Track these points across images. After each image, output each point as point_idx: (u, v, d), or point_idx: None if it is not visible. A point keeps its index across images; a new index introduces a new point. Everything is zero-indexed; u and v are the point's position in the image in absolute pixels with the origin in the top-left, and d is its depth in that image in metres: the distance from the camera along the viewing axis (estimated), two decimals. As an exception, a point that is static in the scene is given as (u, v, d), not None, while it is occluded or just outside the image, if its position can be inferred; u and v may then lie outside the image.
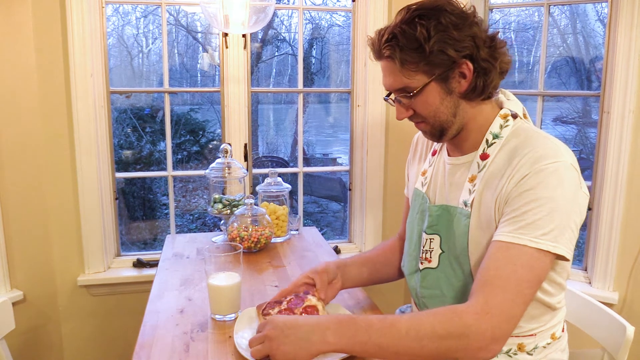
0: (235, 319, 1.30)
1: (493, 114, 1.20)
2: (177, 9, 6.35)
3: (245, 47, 2.35)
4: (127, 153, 5.77)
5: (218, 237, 2.04)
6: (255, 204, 1.91)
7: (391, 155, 2.53)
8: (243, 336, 1.21)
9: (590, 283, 2.30)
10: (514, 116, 1.19)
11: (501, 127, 1.17)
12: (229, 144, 2.10)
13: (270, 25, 7.02)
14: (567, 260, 1.07)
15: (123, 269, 2.41)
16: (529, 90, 2.45)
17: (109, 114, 2.33)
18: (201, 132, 6.49)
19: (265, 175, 2.14)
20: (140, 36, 7.17)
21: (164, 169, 2.51)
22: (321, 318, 1.06)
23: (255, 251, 1.87)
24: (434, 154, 1.36)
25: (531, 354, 1.19)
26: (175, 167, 5.44)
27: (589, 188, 2.31)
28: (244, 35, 2.33)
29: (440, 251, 1.24)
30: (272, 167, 2.26)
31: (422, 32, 1.09)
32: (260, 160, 7.49)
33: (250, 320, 1.29)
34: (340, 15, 7.85)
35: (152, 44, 7.16)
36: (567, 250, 1.04)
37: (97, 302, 2.37)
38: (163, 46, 2.42)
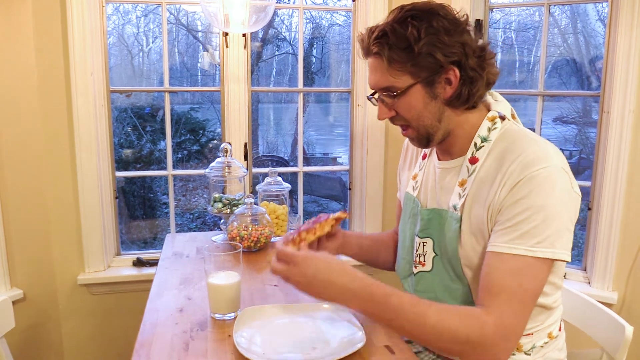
0: (235, 318, 1.31)
1: (480, 119, 1.19)
2: (177, 8, 6.35)
3: (245, 46, 2.35)
4: (128, 152, 5.77)
5: (218, 237, 2.04)
6: (255, 203, 1.91)
7: (391, 155, 2.53)
8: (242, 335, 1.22)
9: (589, 283, 2.30)
10: (502, 118, 1.18)
11: (489, 129, 1.16)
12: (229, 143, 2.10)
13: (270, 25, 7.02)
14: (566, 261, 1.07)
15: (123, 268, 2.41)
16: (529, 90, 2.45)
17: (109, 113, 2.33)
18: (201, 131, 6.49)
19: (265, 175, 2.14)
20: (140, 35, 7.17)
21: (164, 168, 2.51)
22: (356, 282, 1.04)
23: (255, 250, 1.87)
24: (424, 157, 1.36)
25: (529, 354, 1.20)
26: (175, 166, 5.44)
27: (589, 188, 2.31)
28: (244, 35, 2.33)
29: (434, 254, 1.24)
30: (272, 167, 2.26)
31: (413, 33, 1.08)
32: (260, 159, 7.50)
33: (249, 320, 1.29)
34: (340, 14, 7.85)
35: (153, 42, 7.16)
36: (566, 253, 1.04)
37: (97, 300, 2.37)
38: (163, 45, 2.42)
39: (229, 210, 1.99)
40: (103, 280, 2.33)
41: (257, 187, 2.12)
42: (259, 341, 1.20)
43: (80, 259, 2.31)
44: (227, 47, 2.33)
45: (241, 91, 2.38)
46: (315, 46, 8.10)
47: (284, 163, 7.60)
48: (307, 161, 7.85)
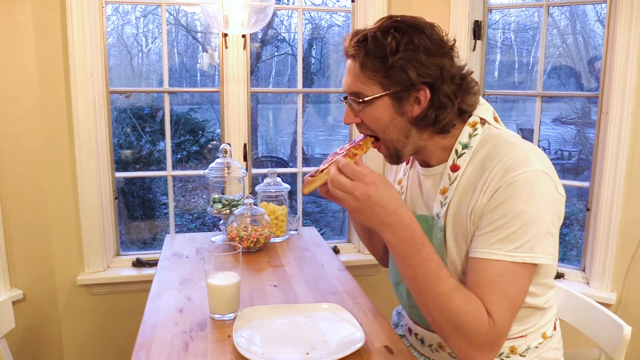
0: (234, 318, 1.31)
1: (453, 142, 1.17)
2: (176, 9, 6.36)
3: (244, 47, 2.36)
4: (127, 153, 5.77)
5: (217, 237, 2.05)
6: (254, 204, 1.91)
7: (390, 155, 2.53)
8: (242, 335, 1.22)
9: (588, 283, 2.30)
10: (483, 122, 1.17)
11: (470, 136, 1.15)
12: (229, 144, 2.10)
13: (270, 26, 7.03)
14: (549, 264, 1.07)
15: (122, 269, 2.42)
16: (527, 91, 2.46)
17: (109, 114, 2.34)
18: (201, 132, 6.49)
19: (265, 175, 2.14)
20: (140, 36, 7.17)
21: (164, 169, 2.52)
22: (405, 218, 1.05)
23: (254, 251, 1.88)
24: (407, 162, 1.35)
25: (524, 355, 1.20)
26: (174, 167, 5.45)
27: (587, 189, 2.31)
28: (243, 36, 2.33)
29: None
30: (272, 167, 2.27)
31: (391, 44, 1.07)
32: (259, 160, 7.50)
33: (249, 320, 1.29)
34: (339, 15, 7.86)
35: (152, 43, 7.17)
36: (546, 257, 1.04)
37: (97, 301, 2.37)
38: (163, 46, 2.42)
39: (228, 210, 2.00)
40: (103, 281, 2.34)
41: (257, 188, 2.12)
42: (259, 341, 1.21)
43: (80, 259, 2.31)
44: (226, 47, 2.34)
45: (240, 92, 2.39)
46: (314, 47, 8.10)
47: (284, 164, 7.59)
48: (307, 162, 7.85)
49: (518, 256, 1.02)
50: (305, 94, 5.24)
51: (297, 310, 1.36)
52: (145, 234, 5.73)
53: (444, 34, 1.13)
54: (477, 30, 2.40)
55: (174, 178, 3.23)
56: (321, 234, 2.14)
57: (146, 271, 2.39)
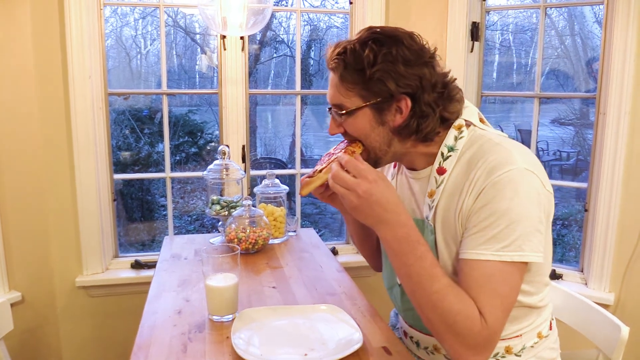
0: (233, 319, 1.31)
1: (439, 144, 1.18)
2: (175, 11, 6.36)
3: (243, 49, 2.36)
4: (126, 154, 5.77)
5: (216, 239, 2.05)
6: (253, 206, 1.91)
7: (389, 156, 2.54)
8: (240, 337, 1.22)
9: (586, 284, 2.31)
10: (468, 125, 1.18)
11: (456, 138, 1.16)
12: (227, 146, 2.10)
13: (268, 27, 7.03)
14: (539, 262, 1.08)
15: (121, 270, 2.42)
16: (525, 92, 2.47)
17: (107, 116, 2.34)
18: (199, 134, 6.49)
19: (263, 177, 2.14)
20: (138, 37, 7.18)
21: (162, 171, 2.52)
22: (402, 217, 1.06)
23: (253, 252, 1.88)
24: (395, 166, 1.36)
25: (519, 355, 1.20)
26: (173, 169, 5.45)
27: (585, 189, 2.32)
28: (241, 37, 2.34)
29: None
30: (270, 169, 2.27)
31: (369, 56, 1.07)
32: (258, 161, 7.49)
33: (247, 321, 1.29)
34: (338, 17, 7.87)
35: (151, 45, 7.17)
36: (536, 254, 1.04)
37: (95, 303, 2.37)
38: (161, 48, 2.42)
39: (227, 212, 2.00)
40: (101, 283, 2.34)
41: (255, 190, 2.13)
42: (257, 343, 1.21)
43: (79, 261, 2.31)
44: (224, 49, 2.34)
45: (239, 93, 2.39)
46: (313, 48, 8.11)
47: (282, 165, 7.59)
48: (305, 163, 7.84)
49: (507, 255, 1.02)
50: (304, 95, 5.24)
51: (296, 312, 1.36)
52: (144, 235, 5.72)
53: (424, 43, 1.13)
54: (475, 32, 2.41)
55: (173, 180, 3.23)
56: (320, 236, 2.14)
57: (145, 273, 2.39)
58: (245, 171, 2.39)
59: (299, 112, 2.70)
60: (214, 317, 1.34)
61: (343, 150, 1.16)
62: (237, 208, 1.96)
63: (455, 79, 1.17)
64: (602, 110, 2.18)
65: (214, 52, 6.64)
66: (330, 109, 1.21)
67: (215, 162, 2.04)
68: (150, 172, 5.86)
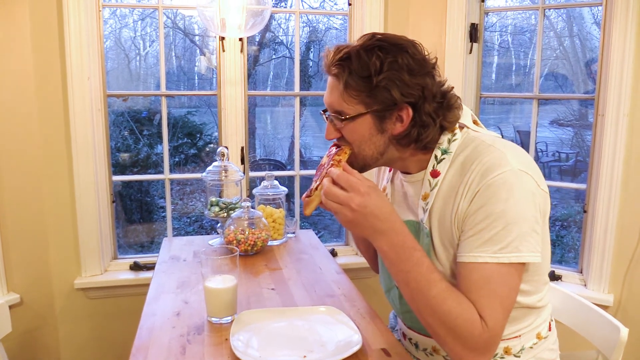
0: (232, 321, 1.31)
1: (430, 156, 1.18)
2: (174, 12, 6.36)
3: (242, 50, 2.36)
4: (125, 156, 5.76)
5: (215, 240, 2.05)
6: (252, 207, 1.91)
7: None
8: (239, 339, 1.22)
9: (585, 285, 2.31)
10: (462, 127, 1.18)
11: (449, 141, 1.16)
12: (226, 147, 2.10)
13: (267, 28, 7.03)
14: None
15: (120, 272, 2.41)
16: (524, 94, 2.47)
17: (106, 117, 2.34)
18: (198, 135, 6.49)
19: (262, 178, 2.14)
20: (137, 39, 7.17)
21: (161, 172, 2.52)
22: (397, 224, 1.06)
23: (251, 254, 1.88)
24: (390, 170, 1.36)
25: (518, 356, 1.20)
26: (172, 170, 5.43)
27: (584, 191, 2.32)
28: (240, 39, 2.34)
29: None
30: (269, 170, 2.27)
31: (375, 64, 1.07)
32: (257, 163, 7.49)
33: (246, 323, 1.29)
34: (337, 18, 7.87)
35: (150, 46, 7.17)
36: (533, 255, 1.04)
37: (94, 305, 2.37)
38: (160, 49, 2.42)
39: (225, 214, 2.00)
40: (100, 285, 2.33)
41: (254, 191, 2.12)
42: (256, 345, 1.21)
43: (77, 263, 2.31)
44: (223, 51, 2.34)
45: (238, 95, 2.39)
46: (312, 50, 8.11)
47: (281, 166, 7.59)
48: (304, 164, 7.84)
49: (504, 257, 1.02)
50: (303, 96, 5.24)
51: (295, 314, 1.36)
52: (143, 237, 5.72)
53: (426, 53, 1.14)
54: (474, 33, 2.41)
55: (172, 181, 3.23)
56: (319, 237, 2.14)
57: (143, 275, 2.39)
58: (244, 173, 2.39)
59: (298, 114, 2.70)
60: (213, 319, 1.34)
61: (330, 164, 1.16)
62: (236, 210, 1.96)
63: (453, 87, 1.17)
64: (601, 112, 2.19)
65: (212, 54, 6.64)
66: (325, 111, 1.20)
67: (214, 163, 2.04)
68: (149, 173, 5.86)
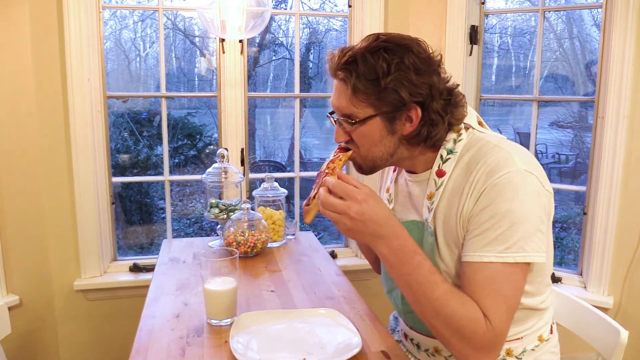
0: (231, 323, 1.31)
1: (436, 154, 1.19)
2: (174, 14, 6.36)
3: (242, 52, 2.36)
4: (124, 157, 5.76)
5: (214, 242, 2.04)
6: (251, 209, 1.91)
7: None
8: (239, 341, 1.22)
9: (585, 287, 2.30)
10: (467, 128, 1.18)
11: (455, 141, 1.16)
12: (226, 149, 2.10)
13: (267, 30, 7.03)
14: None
15: (119, 274, 2.41)
16: (524, 96, 2.47)
17: (106, 119, 2.34)
18: (198, 137, 6.48)
19: (262, 180, 2.14)
20: (137, 40, 7.17)
21: (161, 174, 2.51)
22: (395, 228, 1.06)
23: (251, 256, 1.88)
24: (394, 170, 1.36)
25: (520, 358, 1.20)
26: (172, 172, 5.43)
27: (584, 193, 2.32)
28: (240, 40, 2.34)
29: None
30: (269, 172, 2.27)
31: (382, 66, 1.07)
32: (257, 164, 7.49)
33: (246, 325, 1.29)
34: (337, 20, 7.87)
35: (150, 47, 7.16)
36: (538, 255, 1.04)
37: (94, 306, 2.37)
38: (160, 50, 2.42)
39: (225, 215, 1.99)
40: (99, 286, 2.33)
41: (254, 193, 2.12)
42: (256, 347, 1.21)
43: (77, 264, 2.31)
44: (223, 52, 2.34)
45: (238, 97, 2.39)
46: (312, 51, 8.11)
47: (281, 168, 7.58)
48: (304, 166, 7.84)
49: (509, 257, 1.02)
50: (303, 98, 5.24)
51: (294, 316, 1.36)
52: (143, 238, 5.71)
53: (430, 51, 1.14)
54: (474, 35, 2.41)
55: (172, 183, 3.22)
56: (319, 239, 2.14)
57: (143, 276, 2.39)
58: (244, 174, 2.39)
59: (298, 115, 2.69)
60: (213, 321, 1.33)
61: (326, 172, 1.16)
62: (236, 211, 1.96)
63: (458, 85, 1.18)
64: (601, 114, 2.19)
65: (213, 55, 6.63)
66: (332, 113, 1.20)
67: (214, 165, 2.04)
68: (149, 175, 5.86)
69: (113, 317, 2.39)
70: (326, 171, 1.16)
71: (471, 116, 1.21)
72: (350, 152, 1.20)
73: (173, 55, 7.40)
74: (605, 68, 2.16)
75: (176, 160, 6.24)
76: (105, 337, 2.40)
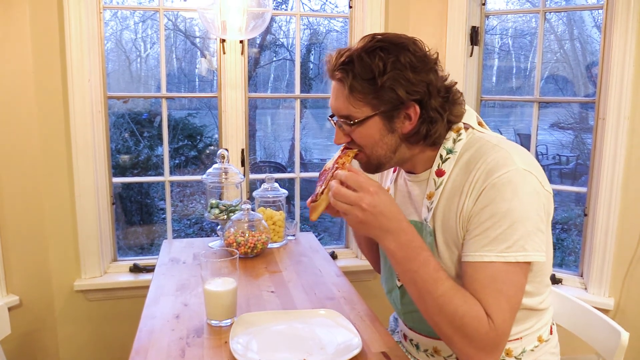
0: (231, 324, 1.31)
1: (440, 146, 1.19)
2: (175, 14, 6.36)
3: (242, 52, 2.36)
4: (125, 158, 5.76)
5: (215, 243, 2.04)
6: (252, 210, 1.91)
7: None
8: (239, 342, 1.22)
9: (586, 289, 2.30)
10: (467, 128, 1.19)
11: (454, 141, 1.17)
12: (226, 150, 2.10)
13: (268, 31, 7.03)
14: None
15: (119, 274, 2.41)
16: (524, 97, 2.46)
17: (106, 119, 2.34)
18: (199, 137, 6.49)
19: (262, 181, 2.14)
20: (138, 41, 7.17)
21: (161, 174, 2.51)
22: (403, 223, 1.06)
23: (251, 256, 1.87)
24: (394, 170, 1.37)
25: (519, 358, 1.20)
26: (172, 172, 5.44)
27: (585, 194, 2.32)
28: (241, 41, 2.34)
29: None
30: (270, 172, 2.27)
31: (379, 65, 1.07)
32: (257, 165, 7.49)
33: (246, 326, 1.29)
34: (338, 21, 7.87)
35: (151, 48, 7.17)
36: (539, 254, 1.04)
37: (94, 307, 2.37)
38: (161, 51, 2.42)
39: (225, 216, 1.99)
40: (99, 287, 2.33)
41: (254, 193, 2.12)
42: (256, 348, 1.21)
43: (77, 265, 2.31)
44: (224, 53, 2.34)
45: (238, 97, 2.39)
46: (312, 52, 8.11)
47: (282, 169, 7.58)
48: (305, 167, 7.84)
49: (511, 256, 1.02)
50: (303, 99, 5.24)
51: (294, 317, 1.36)
52: (143, 239, 5.71)
53: (427, 49, 1.14)
54: (474, 36, 2.41)
55: (172, 183, 3.22)
56: (319, 240, 2.14)
57: (143, 277, 2.39)
58: (244, 175, 2.39)
59: (299, 116, 2.69)
60: (213, 321, 1.33)
61: (335, 167, 1.16)
62: (236, 212, 1.96)
63: (456, 82, 1.18)
64: (602, 115, 2.19)
65: (213, 56, 6.63)
66: (332, 116, 1.21)
67: (215, 165, 2.04)
68: (150, 175, 5.86)
69: (113, 317, 2.39)
70: (336, 166, 1.16)
71: (471, 116, 1.21)
72: (356, 149, 1.20)
73: (174, 55, 7.40)
74: (606, 69, 2.16)
75: (176, 161, 6.24)
76: (105, 338, 2.40)
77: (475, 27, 2.41)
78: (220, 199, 2.12)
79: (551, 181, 1.19)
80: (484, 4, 2.42)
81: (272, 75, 8.88)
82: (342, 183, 1.08)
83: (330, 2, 7.04)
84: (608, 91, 2.13)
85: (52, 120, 2.17)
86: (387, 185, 1.38)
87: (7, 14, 2.05)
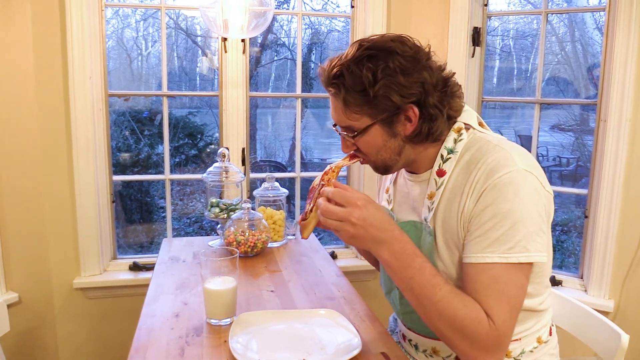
0: (231, 323, 1.30)
1: (441, 144, 1.19)
2: (177, 13, 6.36)
3: (244, 51, 2.36)
4: (125, 156, 5.75)
5: (215, 241, 2.04)
6: (252, 209, 1.91)
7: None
8: (238, 341, 1.21)
9: (586, 291, 2.30)
10: (468, 128, 1.18)
11: (455, 141, 1.16)
12: (227, 148, 2.10)
13: (269, 30, 7.03)
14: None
15: (119, 272, 2.41)
16: (525, 98, 2.47)
17: (107, 117, 2.33)
18: (199, 136, 6.48)
19: (263, 180, 2.14)
20: (139, 39, 7.17)
21: (162, 172, 2.52)
22: (395, 232, 1.06)
23: (251, 256, 1.87)
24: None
25: (519, 359, 1.20)
26: (173, 171, 5.44)
27: (585, 196, 2.31)
28: (242, 40, 2.33)
29: None
30: (270, 172, 2.27)
31: (368, 76, 1.07)
32: (258, 164, 7.48)
33: (245, 325, 1.29)
34: (339, 20, 7.87)
35: (152, 47, 7.17)
36: (541, 254, 1.04)
37: (93, 305, 2.36)
38: (162, 50, 2.42)
39: (226, 215, 1.99)
40: (99, 285, 2.33)
41: (255, 192, 2.12)
42: (255, 347, 1.20)
43: (77, 262, 2.30)
44: (225, 52, 2.34)
45: (239, 96, 2.39)
46: (314, 52, 8.10)
47: (282, 168, 7.58)
48: (305, 166, 7.84)
49: (513, 257, 1.02)
50: (304, 98, 5.24)
51: (294, 316, 1.35)
52: (143, 237, 5.71)
53: (416, 44, 1.13)
54: (476, 37, 2.41)
55: (172, 182, 3.22)
56: (319, 239, 2.14)
57: (143, 275, 2.39)
58: (244, 174, 2.39)
59: (299, 115, 2.69)
60: (212, 320, 1.33)
61: (321, 185, 1.16)
62: (236, 211, 1.95)
63: (454, 73, 1.17)
64: (603, 117, 2.18)
65: (214, 55, 6.63)
66: (335, 125, 1.21)
67: (215, 164, 2.04)
68: (150, 173, 5.86)
69: (112, 315, 2.39)
70: (322, 183, 1.17)
71: (471, 116, 1.21)
72: (341, 164, 1.21)
73: (175, 54, 7.40)
74: (607, 71, 2.16)
75: (177, 160, 6.24)
76: (104, 336, 2.40)
77: (477, 27, 2.41)
78: (220, 198, 2.12)
79: (551, 183, 1.19)
80: (486, 5, 2.42)
81: (273, 75, 8.88)
82: (329, 200, 1.07)
83: (332, 2, 7.04)
84: (610, 93, 2.13)
85: (53, 118, 2.17)
86: (387, 186, 1.37)
87: (8, 12, 2.05)
